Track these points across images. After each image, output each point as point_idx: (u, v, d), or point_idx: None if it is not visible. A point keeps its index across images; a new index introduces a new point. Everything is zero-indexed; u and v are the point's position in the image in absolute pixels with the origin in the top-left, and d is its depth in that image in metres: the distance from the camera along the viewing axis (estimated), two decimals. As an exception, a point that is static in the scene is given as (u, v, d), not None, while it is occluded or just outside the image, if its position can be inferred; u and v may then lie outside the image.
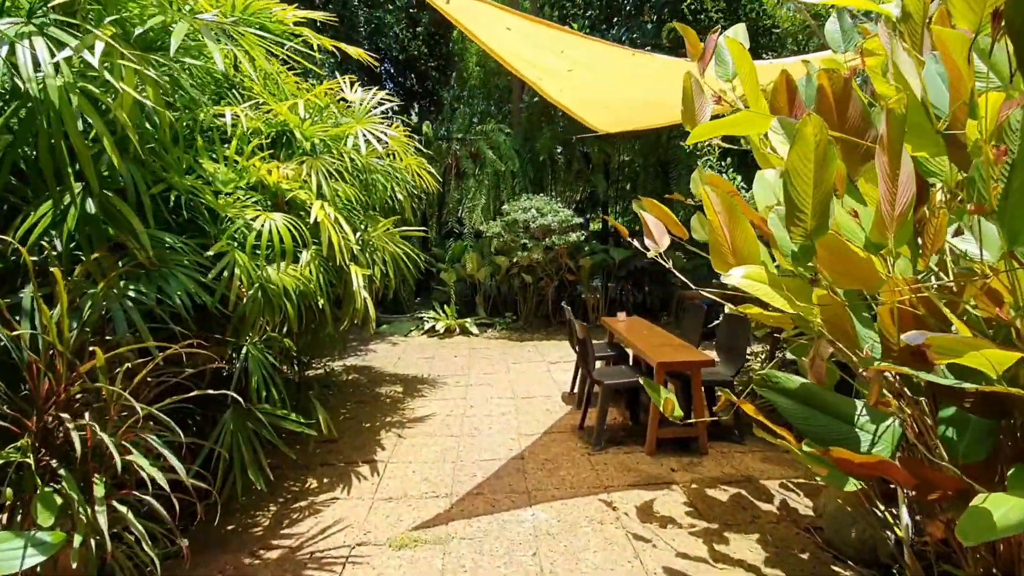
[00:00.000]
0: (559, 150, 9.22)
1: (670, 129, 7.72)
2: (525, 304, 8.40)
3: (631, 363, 4.75)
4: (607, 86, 3.65)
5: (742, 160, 6.41)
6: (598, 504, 3.08)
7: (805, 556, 2.60)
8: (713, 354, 4.38)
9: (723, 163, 5.49)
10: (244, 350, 2.93)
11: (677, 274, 2.49)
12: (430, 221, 10.06)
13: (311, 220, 3.27)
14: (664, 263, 2.45)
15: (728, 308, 4.91)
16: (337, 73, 4.39)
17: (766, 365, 4.54)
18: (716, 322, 5.12)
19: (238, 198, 3.13)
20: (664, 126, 5.52)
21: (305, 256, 3.30)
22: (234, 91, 3.91)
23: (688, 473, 3.44)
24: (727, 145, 3.54)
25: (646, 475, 3.42)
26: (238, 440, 2.86)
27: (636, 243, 2.87)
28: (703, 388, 3.71)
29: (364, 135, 3.97)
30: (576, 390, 4.82)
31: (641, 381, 2.97)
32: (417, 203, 5.40)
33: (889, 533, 2.46)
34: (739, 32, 2.55)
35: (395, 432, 4.23)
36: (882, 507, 2.36)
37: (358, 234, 4.02)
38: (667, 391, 2.42)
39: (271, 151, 3.61)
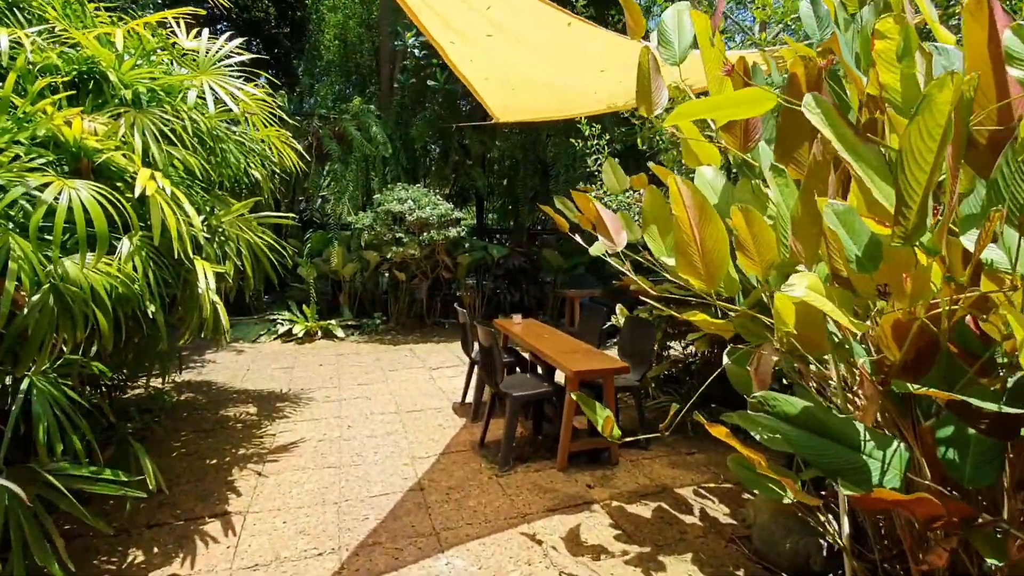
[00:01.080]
0: (430, 137, 8.60)
1: (549, 126, 7.61)
2: (397, 304, 7.70)
3: (529, 368, 4.44)
4: (526, 61, 3.23)
5: (625, 164, 6.50)
6: (520, 539, 2.68)
7: (740, 573, 2.49)
8: (613, 354, 4.25)
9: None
10: (26, 383, 1.97)
11: (628, 273, 2.18)
12: (282, 206, 8.76)
13: (135, 195, 2.36)
14: (620, 265, 2.13)
15: (620, 311, 4.85)
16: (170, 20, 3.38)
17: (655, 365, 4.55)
18: (608, 323, 5.06)
19: (17, 156, 2.13)
20: (570, 119, 5.26)
21: (127, 245, 2.38)
22: (16, 11, 2.78)
23: (605, 488, 3.21)
24: (673, 138, 3.38)
25: (563, 496, 3.11)
26: (17, 518, 1.91)
27: (579, 239, 2.52)
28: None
29: (211, 89, 3.07)
30: (472, 400, 4.38)
31: (574, 396, 2.64)
32: (274, 184, 4.48)
33: (822, 542, 2.45)
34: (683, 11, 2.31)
35: (253, 469, 3.38)
36: (821, 517, 2.34)
37: (203, 217, 3.10)
38: (604, 409, 2.11)
39: (72, 93, 2.58)
